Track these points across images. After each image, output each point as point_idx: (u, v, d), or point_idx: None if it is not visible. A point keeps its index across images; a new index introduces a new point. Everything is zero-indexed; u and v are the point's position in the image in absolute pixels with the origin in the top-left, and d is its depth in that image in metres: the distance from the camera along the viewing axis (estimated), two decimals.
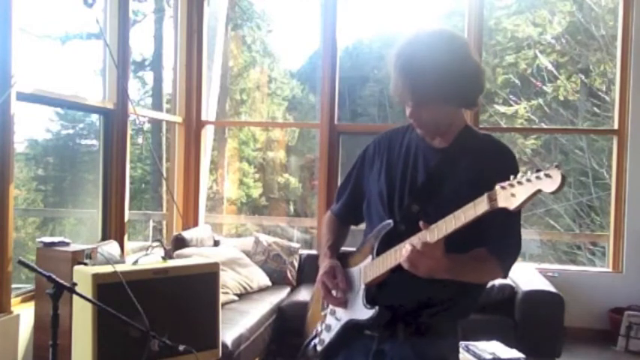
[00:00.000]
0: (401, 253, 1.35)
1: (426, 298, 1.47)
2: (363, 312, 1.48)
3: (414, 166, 1.52)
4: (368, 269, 1.50)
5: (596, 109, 7.89)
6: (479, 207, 1.22)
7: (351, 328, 1.54)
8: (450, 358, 1.56)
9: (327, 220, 1.78)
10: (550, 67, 8.21)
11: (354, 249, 1.64)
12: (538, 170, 1.15)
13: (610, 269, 4.68)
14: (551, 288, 3.86)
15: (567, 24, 8.37)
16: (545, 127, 8.16)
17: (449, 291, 1.46)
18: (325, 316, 1.65)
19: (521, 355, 3.09)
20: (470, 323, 4.11)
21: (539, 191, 1.13)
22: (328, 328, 1.61)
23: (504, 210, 1.18)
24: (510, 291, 3.93)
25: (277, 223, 8.21)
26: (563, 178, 1.11)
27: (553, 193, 1.13)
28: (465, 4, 4.80)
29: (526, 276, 4.19)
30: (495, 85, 8.62)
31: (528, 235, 8.37)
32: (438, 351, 1.51)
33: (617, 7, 4.77)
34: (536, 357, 3.39)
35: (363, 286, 1.50)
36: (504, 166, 1.41)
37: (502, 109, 8.24)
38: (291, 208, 9.34)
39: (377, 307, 1.45)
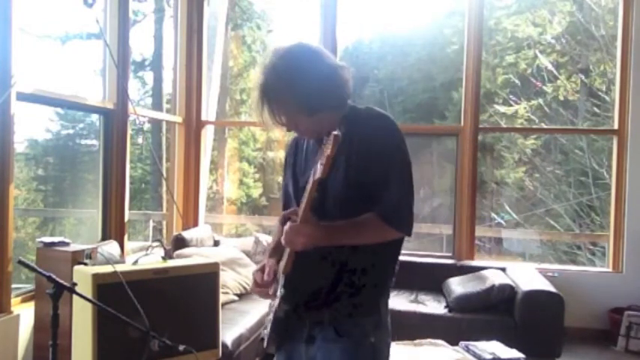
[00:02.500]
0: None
1: (332, 274, 1.55)
2: (277, 298, 1.58)
3: (312, 162, 1.59)
4: (283, 259, 1.57)
5: (596, 109, 7.89)
6: (309, 184, 1.38)
7: (281, 319, 1.60)
8: (374, 335, 1.59)
9: (276, 230, 1.88)
10: (550, 67, 8.21)
11: None
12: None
13: (610, 269, 4.68)
14: (551, 288, 3.87)
15: (567, 24, 8.36)
16: (545, 127, 8.16)
17: (350, 274, 1.55)
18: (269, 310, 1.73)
19: (521, 355, 3.10)
20: (470, 323, 4.13)
21: (329, 157, 1.27)
22: (269, 321, 1.68)
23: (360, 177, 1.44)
24: (510, 291, 3.93)
25: None
26: (335, 137, 1.25)
27: (331, 155, 1.25)
28: (465, 4, 4.80)
29: (526, 276, 4.19)
30: (495, 85, 8.62)
31: (528, 235, 8.38)
32: (361, 329, 1.57)
33: (617, 7, 4.77)
34: (536, 357, 3.40)
35: (282, 276, 1.58)
36: (381, 139, 1.53)
37: (502, 109, 8.24)
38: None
39: (283, 291, 1.54)
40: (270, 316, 1.66)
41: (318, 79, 1.50)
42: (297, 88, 1.48)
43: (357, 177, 1.51)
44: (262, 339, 1.72)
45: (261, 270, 1.65)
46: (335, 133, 1.26)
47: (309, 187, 1.40)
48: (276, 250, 1.72)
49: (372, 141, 1.51)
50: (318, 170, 1.32)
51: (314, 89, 1.49)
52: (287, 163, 1.77)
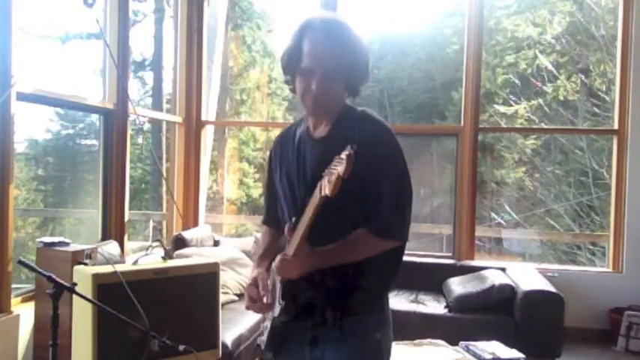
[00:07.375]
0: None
1: (333, 285, 1.53)
2: (277, 308, 1.55)
3: (303, 161, 1.61)
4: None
5: (596, 109, 7.89)
6: (314, 200, 1.32)
7: (279, 326, 1.59)
8: (380, 332, 1.60)
9: (261, 233, 1.88)
10: (550, 67, 8.21)
11: None
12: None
13: (610, 269, 4.68)
14: (551, 288, 3.87)
15: (567, 24, 8.37)
16: (545, 127, 8.16)
17: (353, 275, 1.53)
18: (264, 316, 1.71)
19: (521, 355, 3.10)
20: (470, 323, 4.12)
21: (339, 176, 1.19)
22: (265, 328, 1.66)
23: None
24: (510, 291, 3.93)
25: None
26: (349, 156, 1.18)
27: (345, 174, 1.17)
28: (465, 4, 4.80)
29: (526, 276, 4.19)
30: (495, 85, 8.62)
31: (528, 235, 8.39)
32: (366, 326, 1.57)
33: (617, 7, 4.76)
34: (536, 357, 3.40)
35: (278, 284, 1.55)
36: (377, 147, 1.50)
37: (502, 109, 8.24)
38: None
39: (283, 302, 1.52)
40: (267, 323, 1.63)
41: (365, 55, 1.58)
42: (356, 53, 1.54)
43: (352, 185, 1.42)
44: (258, 345, 1.69)
45: (254, 284, 1.61)
46: (348, 152, 1.19)
47: (312, 206, 1.33)
48: (264, 258, 1.69)
49: (370, 149, 1.43)
50: (325, 187, 1.24)
51: (360, 63, 1.56)
52: (276, 159, 1.72)
